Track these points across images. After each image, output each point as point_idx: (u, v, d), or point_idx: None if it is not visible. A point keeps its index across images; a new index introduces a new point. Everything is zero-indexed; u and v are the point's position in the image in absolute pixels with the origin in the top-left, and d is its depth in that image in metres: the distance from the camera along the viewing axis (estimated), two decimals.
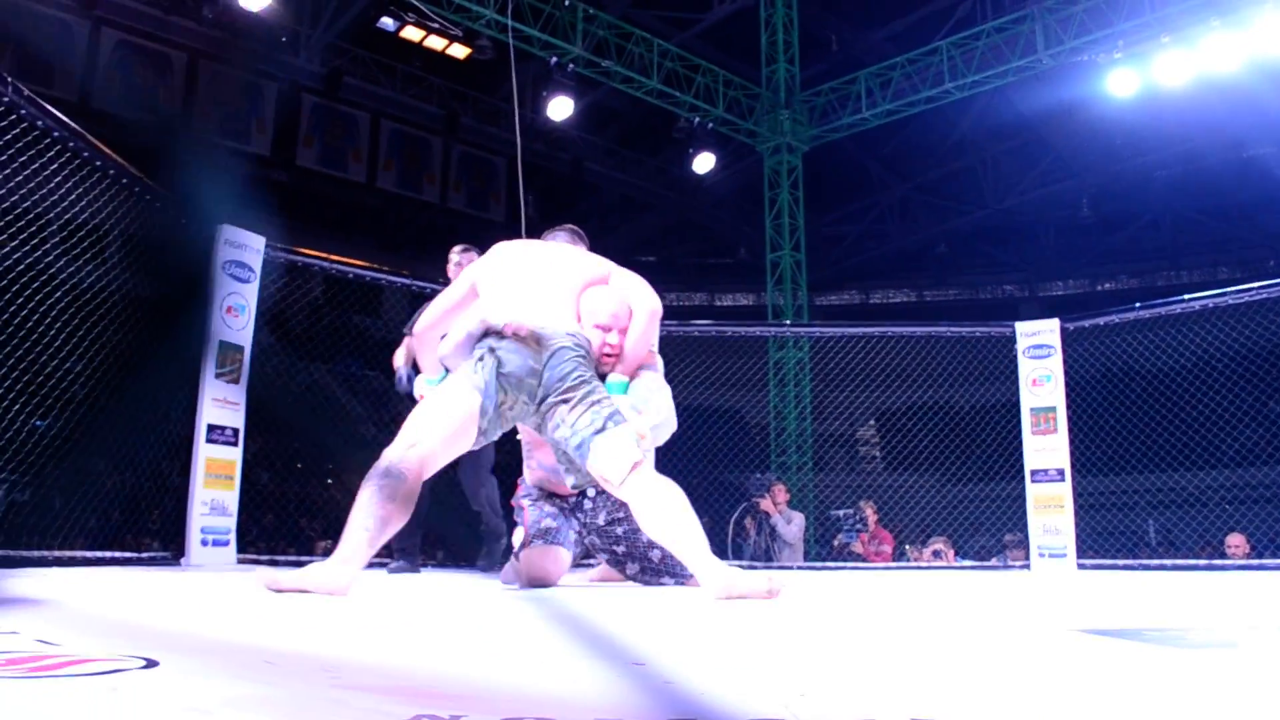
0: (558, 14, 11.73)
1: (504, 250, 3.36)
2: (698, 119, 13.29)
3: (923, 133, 17.14)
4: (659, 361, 3.46)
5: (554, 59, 11.68)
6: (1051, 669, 1.43)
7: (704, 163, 13.78)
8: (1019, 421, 6.94)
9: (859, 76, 13.72)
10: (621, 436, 2.86)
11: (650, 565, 3.75)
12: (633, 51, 12.58)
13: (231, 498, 5.26)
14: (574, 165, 16.88)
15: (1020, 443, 6.91)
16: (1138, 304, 7.19)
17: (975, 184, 19.26)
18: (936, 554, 8.00)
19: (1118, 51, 11.43)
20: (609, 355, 3.22)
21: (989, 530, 8.24)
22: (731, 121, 13.86)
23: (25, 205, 4.09)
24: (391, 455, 2.78)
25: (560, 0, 11.73)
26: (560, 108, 12.10)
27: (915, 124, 15.32)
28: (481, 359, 2.93)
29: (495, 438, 3.07)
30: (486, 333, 3.00)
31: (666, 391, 3.32)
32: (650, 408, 3.19)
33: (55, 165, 4.25)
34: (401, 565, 5.08)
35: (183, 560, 5.00)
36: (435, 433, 2.86)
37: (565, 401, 2.91)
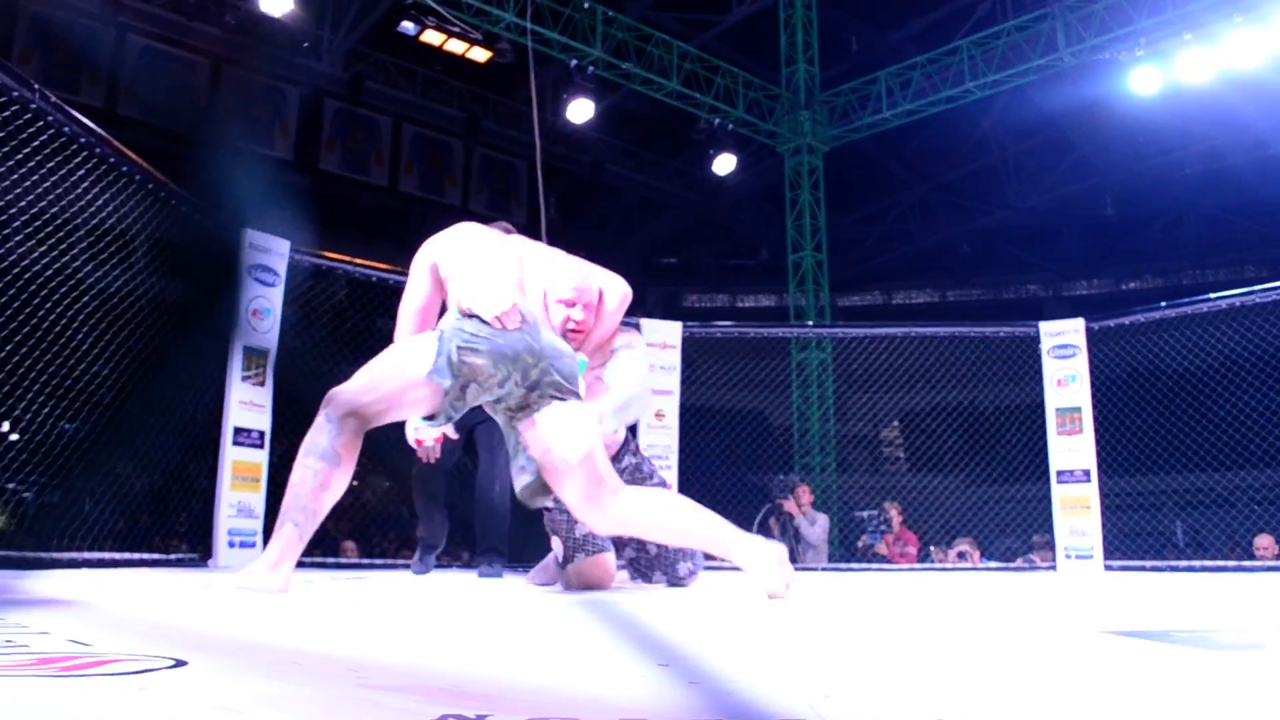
0: (577, 17, 11.74)
1: (462, 234, 3.18)
2: (718, 120, 13.27)
3: (944, 132, 17.04)
4: (639, 338, 3.40)
5: (574, 61, 11.69)
6: (1078, 670, 1.43)
7: (724, 164, 13.75)
8: (1044, 422, 6.89)
9: (879, 77, 13.67)
10: (580, 412, 2.72)
11: (645, 556, 3.68)
12: (652, 53, 12.58)
13: (258, 500, 5.29)
14: (594, 167, 16.89)
15: (1045, 443, 6.87)
16: (1163, 303, 7.12)
17: (997, 183, 19.13)
18: (962, 555, 7.95)
19: (1140, 49, 11.34)
20: (574, 331, 3.09)
21: (1015, 531, 8.19)
22: (751, 123, 13.83)
23: (53, 211, 4.13)
24: (333, 416, 2.66)
25: (579, 3, 11.74)
26: (580, 110, 12.11)
27: (936, 123, 15.23)
28: (458, 336, 2.68)
29: (455, 416, 2.81)
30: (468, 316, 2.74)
31: (644, 367, 3.24)
32: (619, 384, 3.08)
33: (82, 171, 4.29)
34: (423, 567, 5.07)
35: (210, 562, 5.03)
36: (386, 394, 2.70)
37: (564, 400, 2.77)
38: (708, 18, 14.98)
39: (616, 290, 3.25)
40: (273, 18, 11.34)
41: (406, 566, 6.21)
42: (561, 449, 2.66)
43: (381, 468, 4.92)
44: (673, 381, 7.04)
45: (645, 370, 3.21)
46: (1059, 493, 6.76)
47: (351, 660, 1.40)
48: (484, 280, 2.82)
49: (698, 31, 14.89)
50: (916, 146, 18.14)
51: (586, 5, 11.79)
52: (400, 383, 2.70)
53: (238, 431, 5.23)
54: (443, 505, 5.08)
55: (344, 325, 6.86)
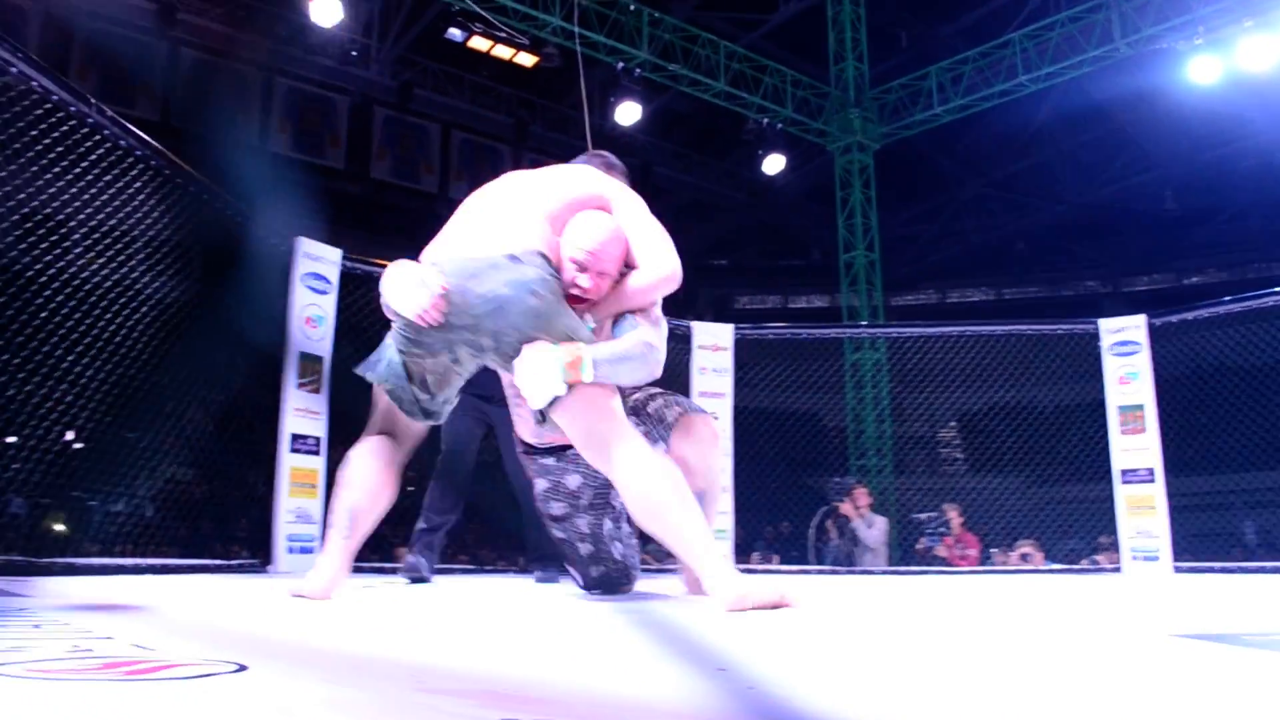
0: (623, 19, 11.76)
1: (481, 192, 2.86)
2: (766, 120, 13.22)
3: (997, 127, 16.79)
4: (662, 319, 2.86)
5: (621, 64, 11.71)
6: (1147, 674, 1.38)
7: (774, 164, 13.69)
8: (1105, 421, 6.76)
9: (930, 72, 13.54)
10: (545, 358, 2.44)
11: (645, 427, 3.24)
12: (699, 54, 12.56)
13: (316, 506, 5.34)
14: (643, 170, 16.89)
15: (1108, 442, 6.74)
16: (1227, 297, 6.95)
17: (1053, 178, 18.84)
18: (1024, 557, 7.82)
19: (1198, 37, 11.10)
20: (575, 299, 2.63)
21: (1078, 533, 8.04)
22: (801, 121, 13.75)
23: (111, 224, 4.21)
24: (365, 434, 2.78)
25: (625, 5, 11.76)
26: (628, 112, 12.13)
27: (989, 118, 15.03)
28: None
29: (434, 409, 2.69)
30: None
31: (659, 337, 2.72)
32: (623, 337, 2.66)
33: (139, 184, 4.37)
34: (414, 564, 4.59)
35: (270, 567, 5.09)
36: (383, 410, 2.76)
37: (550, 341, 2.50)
38: (755, 17, 14.94)
39: (651, 269, 2.74)
40: (322, 28, 11.51)
41: (465, 571, 6.18)
42: (528, 396, 2.49)
43: (432, 475, 4.90)
44: (725, 384, 7.01)
45: (659, 340, 2.71)
46: (1123, 493, 6.63)
47: (410, 664, 1.40)
48: (402, 275, 2.56)
49: (745, 31, 14.85)
50: (969, 142, 17.92)
51: (632, 7, 11.80)
52: (382, 398, 2.74)
53: (295, 438, 5.28)
54: (464, 494, 4.84)
55: None
